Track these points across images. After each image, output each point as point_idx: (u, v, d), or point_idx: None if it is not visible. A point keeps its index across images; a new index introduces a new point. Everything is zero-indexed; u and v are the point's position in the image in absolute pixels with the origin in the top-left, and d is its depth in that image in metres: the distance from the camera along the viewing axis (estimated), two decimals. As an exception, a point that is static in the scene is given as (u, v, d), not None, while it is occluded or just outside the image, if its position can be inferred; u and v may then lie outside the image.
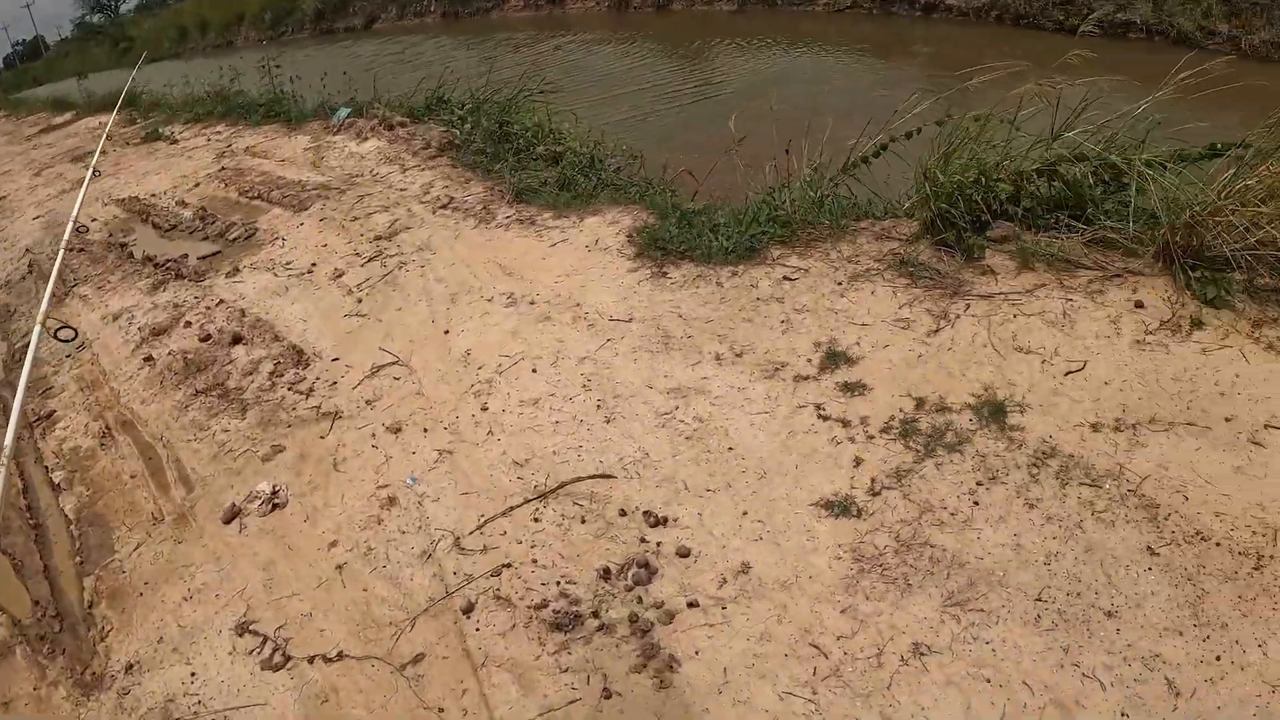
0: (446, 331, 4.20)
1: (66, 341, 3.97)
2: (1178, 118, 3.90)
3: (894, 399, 3.04)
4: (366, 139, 8.34)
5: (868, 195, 4.52)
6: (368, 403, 3.79)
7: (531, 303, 4.28)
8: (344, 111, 9.32)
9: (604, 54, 12.78)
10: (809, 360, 3.33)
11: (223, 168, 8.93)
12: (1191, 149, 3.83)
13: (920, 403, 2.99)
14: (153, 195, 8.47)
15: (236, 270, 5.85)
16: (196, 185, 8.48)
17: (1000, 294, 3.50)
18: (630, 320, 3.88)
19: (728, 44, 12.53)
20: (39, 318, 3.53)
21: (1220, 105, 3.99)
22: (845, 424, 2.97)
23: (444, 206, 5.91)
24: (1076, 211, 3.81)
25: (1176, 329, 3.23)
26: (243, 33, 25.16)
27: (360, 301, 4.81)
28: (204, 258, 6.33)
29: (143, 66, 13.96)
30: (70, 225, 4.79)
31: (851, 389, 3.13)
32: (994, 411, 2.91)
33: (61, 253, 4.49)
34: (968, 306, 3.45)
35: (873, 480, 2.72)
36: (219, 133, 11.05)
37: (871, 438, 2.89)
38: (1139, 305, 3.38)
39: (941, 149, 4.00)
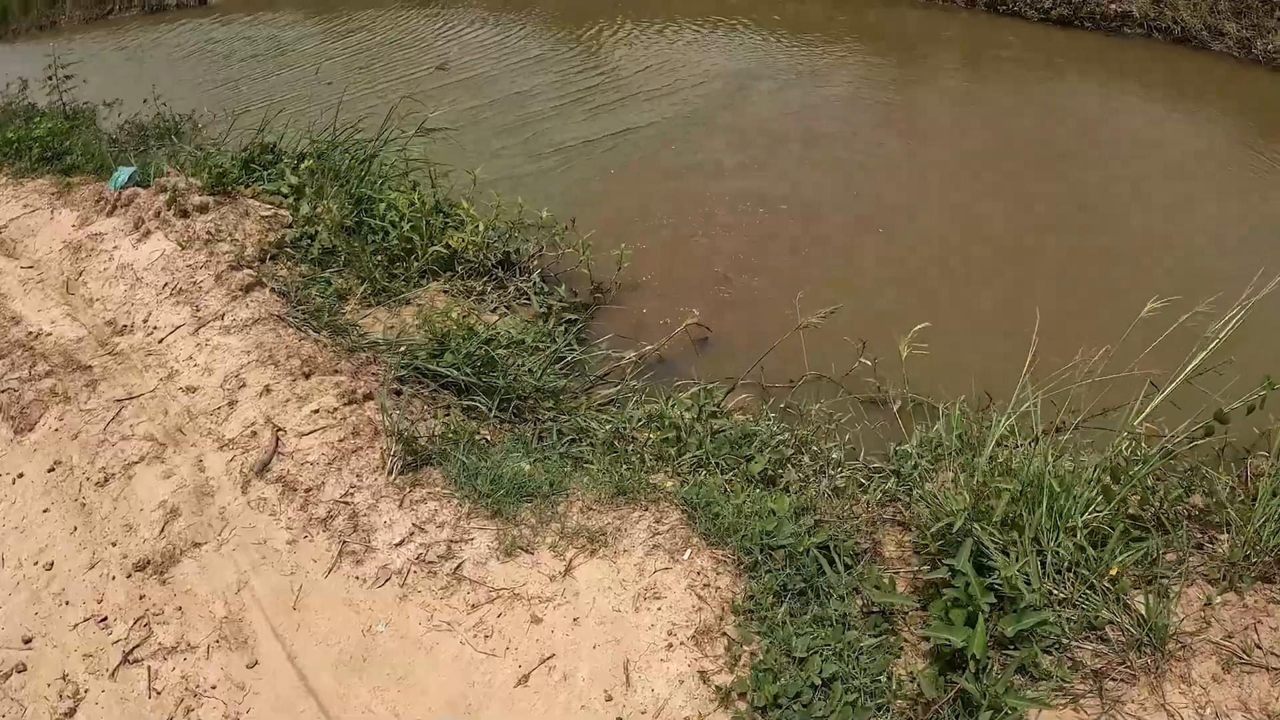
0: None
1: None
2: None
3: None
4: (148, 233, 5.61)
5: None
6: None
7: None
8: (123, 174, 6.50)
9: (490, 55, 9.94)
10: None
11: (-53, 275, 6.08)
12: None
13: None
14: None
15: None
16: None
17: None
18: None
19: (641, 26, 9.97)
20: None
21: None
22: None
23: (265, 467, 3.34)
24: None
25: None
26: (67, 11, 21.24)
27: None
28: None
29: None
30: None
31: None
32: None
33: None
34: None
35: None
36: (-27, 191, 7.96)
37: None
38: None
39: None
